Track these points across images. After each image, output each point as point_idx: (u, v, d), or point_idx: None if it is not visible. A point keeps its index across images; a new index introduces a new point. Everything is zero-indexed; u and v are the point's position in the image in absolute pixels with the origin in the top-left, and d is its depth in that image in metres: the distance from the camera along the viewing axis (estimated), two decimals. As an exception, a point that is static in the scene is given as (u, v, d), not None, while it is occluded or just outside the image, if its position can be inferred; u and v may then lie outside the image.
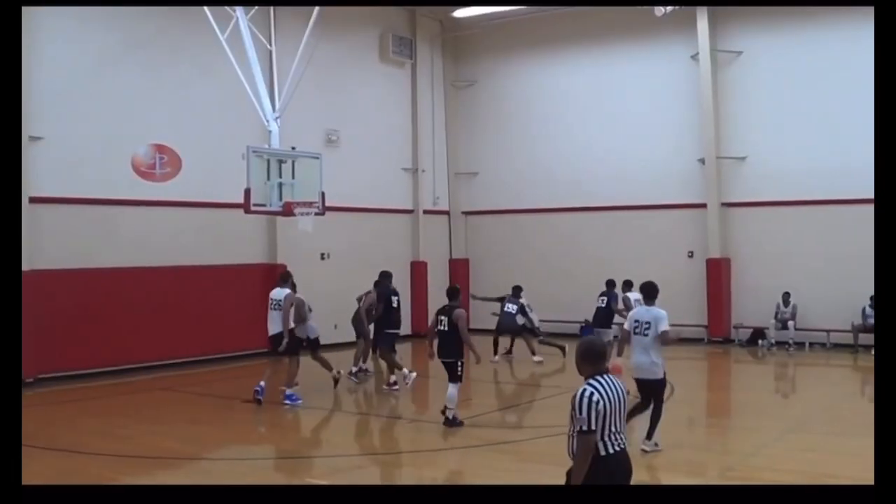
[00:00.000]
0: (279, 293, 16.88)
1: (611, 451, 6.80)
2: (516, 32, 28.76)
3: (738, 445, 13.59)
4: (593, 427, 6.71)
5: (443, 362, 14.57)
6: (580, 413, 6.73)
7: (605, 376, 6.90)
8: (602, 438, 6.78)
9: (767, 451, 12.86)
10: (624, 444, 6.92)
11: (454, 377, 14.31)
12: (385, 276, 19.54)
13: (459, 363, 14.38)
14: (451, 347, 14.40)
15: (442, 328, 14.47)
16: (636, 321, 12.56)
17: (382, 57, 27.80)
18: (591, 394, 6.75)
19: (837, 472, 11.11)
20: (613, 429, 6.81)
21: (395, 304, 18.78)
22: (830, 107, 23.75)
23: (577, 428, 6.77)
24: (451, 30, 29.76)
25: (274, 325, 16.70)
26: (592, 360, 7.00)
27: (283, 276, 17.65)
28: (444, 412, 14.42)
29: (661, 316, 12.39)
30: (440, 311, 14.67)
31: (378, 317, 18.76)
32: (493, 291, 28.60)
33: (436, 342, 14.63)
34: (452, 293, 14.97)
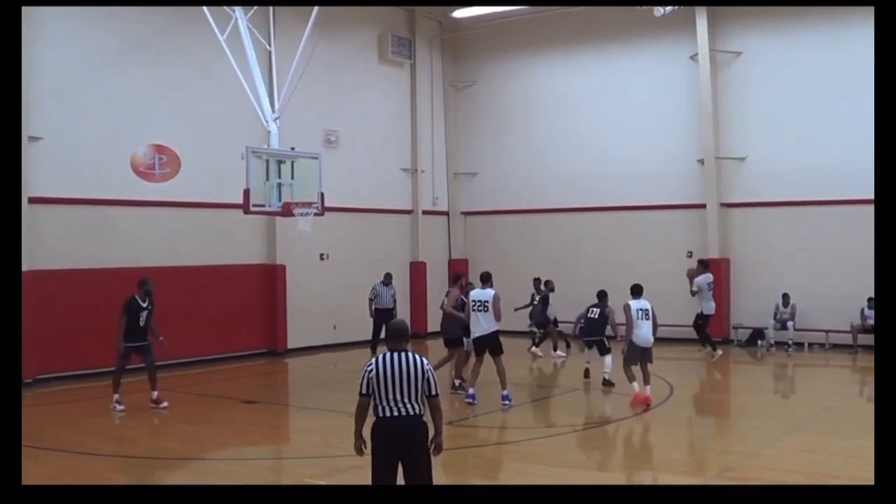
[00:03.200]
0: (485, 294, 16.00)
1: (388, 414, 8.02)
2: (516, 33, 28.75)
3: (738, 446, 13.59)
4: (362, 392, 8.13)
5: (591, 340, 18.74)
6: (359, 379, 8.16)
7: (398, 354, 8.15)
8: (379, 403, 8.06)
9: (767, 451, 12.87)
10: (406, 411, 8.04)
11: (604, 350, 18.45)
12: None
13: (605, 339, 18.60)
14: (599, 329, 18.62)
15: (592, 316, 18.70)
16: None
17: (382, 57, 27.78)
18: (368, 365, 8.18)
19: (837, 473, 11.11)
20: (390, 396, 8.03)
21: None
22: (830, 107, 23.75)
23: None
24: (451, 30, 29.76)
25: (480, 327, 15.97)
26: (390, 340, 8.53)
27: (484, 277, 16.65)
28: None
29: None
30: (592, 306, 18.83)
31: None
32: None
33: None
34: (603, 295, 18.80)
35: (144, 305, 16.60)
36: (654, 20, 23.93)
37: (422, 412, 8.12)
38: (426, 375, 8.12)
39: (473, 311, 16.08)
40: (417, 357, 8.18)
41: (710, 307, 21.56)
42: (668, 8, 23.43)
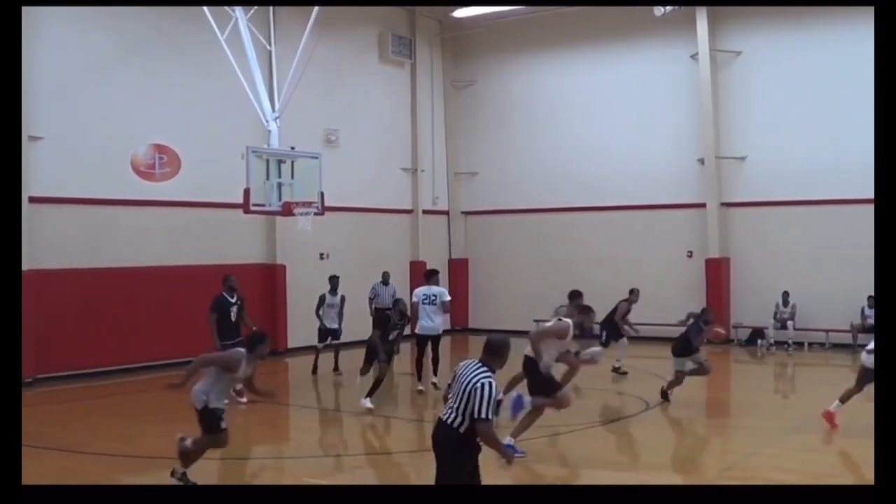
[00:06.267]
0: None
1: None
2: (516, 32, 28.76)
3: (738, 445, 13.60)
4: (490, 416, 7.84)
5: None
6: (489, 404, 7.80)
7: (469, 363, 8.01)
8: None
9: (767, 451, 12.88)
10: (442, 415, 7.95)
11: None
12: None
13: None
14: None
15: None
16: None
17: (382, 57, 27.79)
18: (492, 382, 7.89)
19: (837, 473, 11.12)
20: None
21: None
22: (829, 107, 23.78)
23: None
24: (451, 29, 29.75)
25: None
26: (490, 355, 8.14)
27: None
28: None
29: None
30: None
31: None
32: (491, 290, 28.76)
33: None
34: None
35: (233, 301, 17.04)
36: (655, 20, 23.98)
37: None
38: (461, 381, 8.03)
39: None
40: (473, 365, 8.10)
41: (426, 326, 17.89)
42: (669, 7, 23.45)
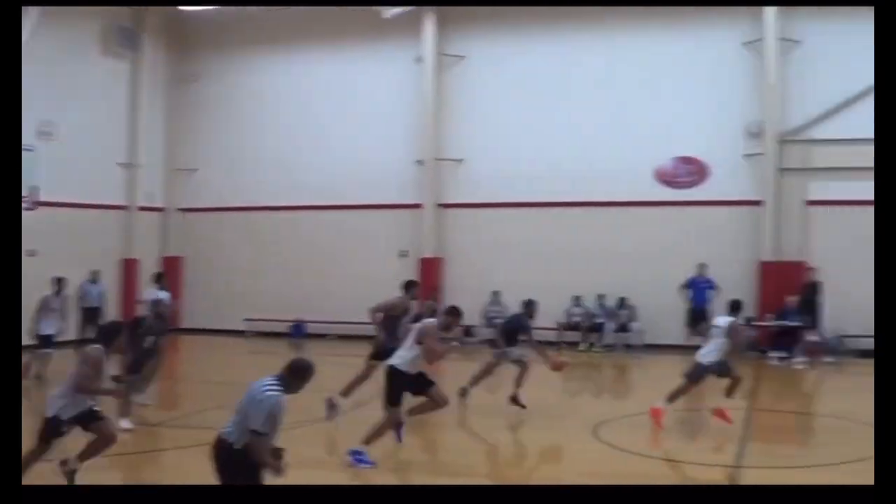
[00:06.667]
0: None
1: None
2: (245, 28, 28.36)
3: (461, 444, 13.94)
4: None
5: None
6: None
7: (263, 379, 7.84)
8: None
9: (485, 447, 13.27)
10: (222, 430, 7.82)
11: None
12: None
13: None
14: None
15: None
16: None
17: (105, 49, 26.73)
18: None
19: (571, 469, 11.58)
20: None
21: None
22: (545, 113, 25.09)
23: None
24: (178, 23, 28.90)
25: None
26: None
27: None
28: None
29: None
30: None
31: None
32: (207, 289, 28.18)
33: None
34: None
35: None
36: (382, 22, 24.42)
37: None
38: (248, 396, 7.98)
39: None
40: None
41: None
42: (399, 9, 23.89)
